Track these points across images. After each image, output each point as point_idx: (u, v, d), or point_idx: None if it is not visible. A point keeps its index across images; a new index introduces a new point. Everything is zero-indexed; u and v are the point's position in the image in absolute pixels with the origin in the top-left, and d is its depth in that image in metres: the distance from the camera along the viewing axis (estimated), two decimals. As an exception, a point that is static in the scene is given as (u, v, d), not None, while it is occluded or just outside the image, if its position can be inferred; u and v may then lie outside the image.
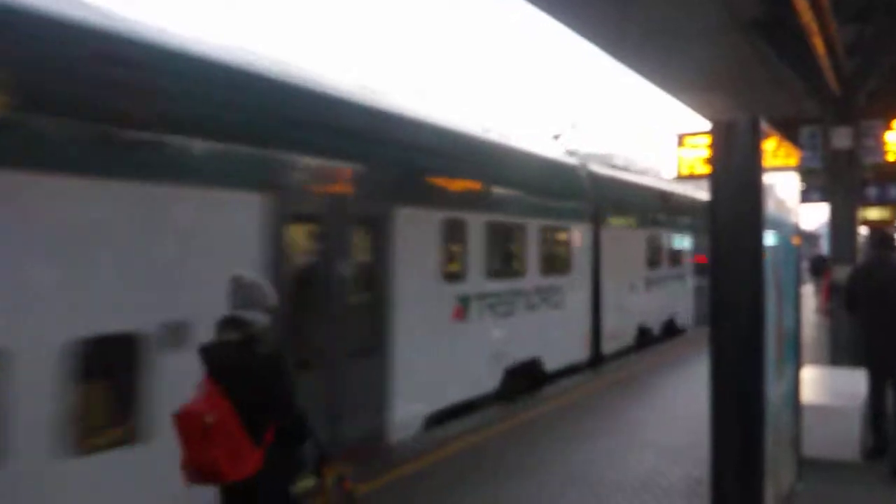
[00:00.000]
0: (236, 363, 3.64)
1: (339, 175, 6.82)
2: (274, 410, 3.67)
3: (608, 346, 12.82)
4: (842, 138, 10.74)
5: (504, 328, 9.54)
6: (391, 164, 7.67)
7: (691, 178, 12.51)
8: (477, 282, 8.95)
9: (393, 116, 7.86)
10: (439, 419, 8.31)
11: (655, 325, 15.75)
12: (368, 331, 7.24)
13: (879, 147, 11.39)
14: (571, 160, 12.53)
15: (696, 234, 18.37)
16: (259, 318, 3.74)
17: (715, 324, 4.23)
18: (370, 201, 7.21)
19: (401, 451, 7.41)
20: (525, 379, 10.25)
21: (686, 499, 6.05)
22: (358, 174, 7.04)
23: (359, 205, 7.05)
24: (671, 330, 16.81)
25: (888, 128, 11.39)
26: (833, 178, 11.07)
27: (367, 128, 7.35)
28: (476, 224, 8.94)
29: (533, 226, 10.31)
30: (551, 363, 10.82)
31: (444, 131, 8.84)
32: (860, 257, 10.71)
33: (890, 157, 11.45)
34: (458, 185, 8.92)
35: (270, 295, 3.87)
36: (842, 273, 10.53)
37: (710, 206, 4.19)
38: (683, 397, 9.96)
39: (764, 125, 4.25)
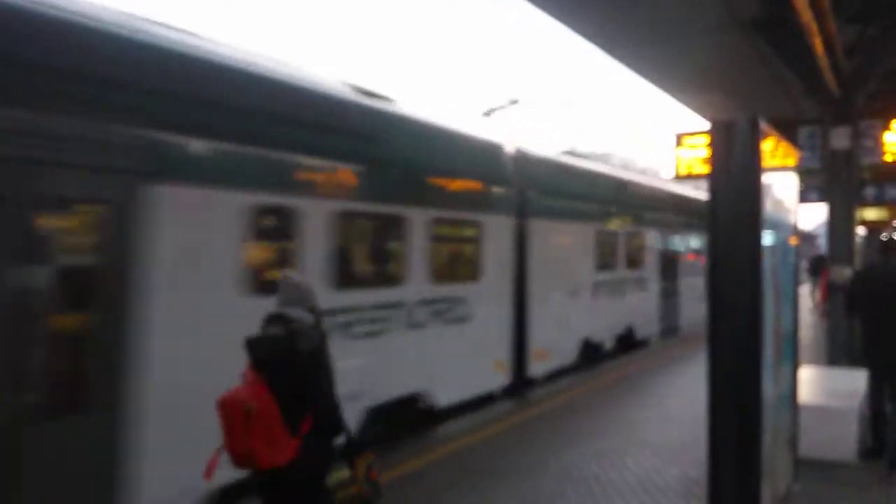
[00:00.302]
0: (279, 356, 3.85)
1: None
2: (312, 402, 3.86)
3: (537, 368, 10.40)
4: (840, 139, 10.74)
5: (366, 355, 7.10)
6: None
7: (690, 178, 12.43)
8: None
9: None
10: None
11: (607, 339, 13.15)
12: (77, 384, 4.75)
13: (878, 147, 11.39)
14: (494, 136, 9.97)
15: (665, 230, 16.32)
16: (302, 315, 3.98)
17: (713, 324, 4.23)
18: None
19: (393, 453, 7.40)
20: (407, 419, 8.01)
21: (683, 499, 6.04)
22: None
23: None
24: (628, 343, 14.18)
25: (887, 128, 11.39)
26: (831, 179, 11.07)
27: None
28: (315, 213, 6.46)
29: (419, 218, 7.87)
30: (445, 396, 8.38)
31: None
32: (859, 258, 10.72)
33: (888, 158, 11.45)
34: (273, 155, 6.14)
35: (313, 295, 4.17)
36: (839, 273, 10.53)
37: (709, 206, 4.18)
38: (680, 397, 9.96)
39: (763, 125, 4.24)
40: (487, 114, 19.73)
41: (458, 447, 7.57)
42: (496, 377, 9.54)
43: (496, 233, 9.40)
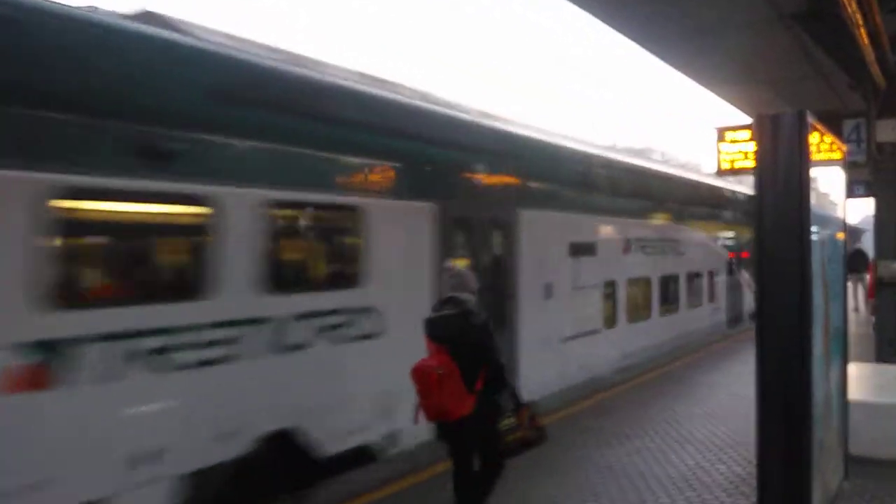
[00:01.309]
0: (456, 330, 4.94)
1: None
2: (484, 365, 4.89)
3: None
4: (887, 131, 10.54)
5: (140, 404, 4.98)
6: None
7: (733, 173, 12.24)
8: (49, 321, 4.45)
9: None
10: None
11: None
12: None
13: (926, 140, 11.13)
14: (389, 90, 7.87)
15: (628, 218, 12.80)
16: (469, 297, 5.14)
17: (761, 321, 4.21)
18: None
19: (428, 452, 7.45)
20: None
21: (730, 496, 6.00)
22: None
23: None
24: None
25: (935, 120, 11.12)
26: (878, 173, 10.86)
27: None
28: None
29: (240, 202, 5.66)
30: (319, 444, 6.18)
31: None
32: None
33: (936, 150, 11.18)
34: None
35: (475, 281, 5.34)
36: (888, 268, 10.34)
37: (756, 202, 4.16)
38: (725, 393, 9.88)
39: (810, 118, 4.21)
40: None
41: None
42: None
43: (395, 225, 7.23)
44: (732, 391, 9.93)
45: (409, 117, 7.88)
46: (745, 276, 18.15)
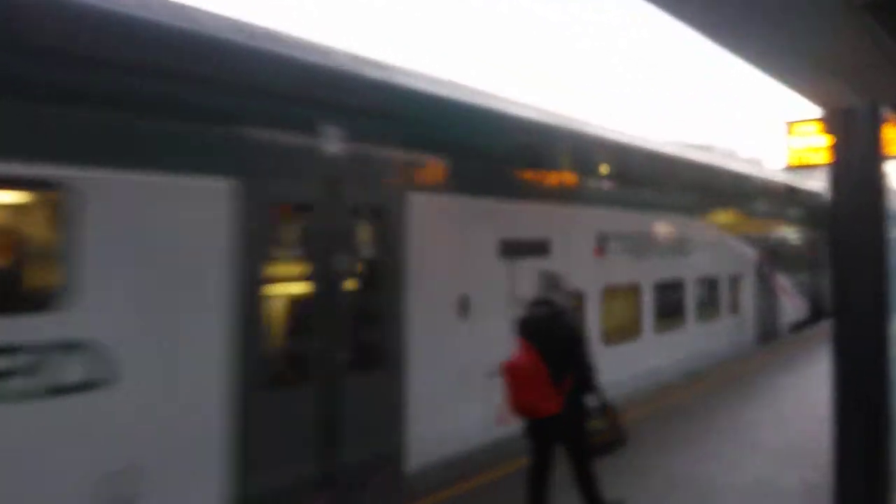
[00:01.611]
0: (547, 330, 5.08)
1: None
2: (574, 365, 5.03)
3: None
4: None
5: None
6: None
7: (802, 168, 11.81)
8: None
9: None
10: None
11: None
12: None
13: None
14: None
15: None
16: (560, 299, 5.29)
17: (837, 322, 4.04)
18: None
19: (496, 455, 7.38)
20: None
21: (803, 503, 5.79)
22: None
23: None
24: None
25: None
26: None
27: None
28: None
29: None
30: None
31: None
32: None
33: None
34: None
35: (566, 282, 5.50)
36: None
37: (831, 198, 4.00)
38: (795, 398, 9.55)
39: (885, 111, 4.03)
40: None
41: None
42: None
43: (160, 214, 4.90)
44: (802, 393, 9.61)
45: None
46: (781, 280, 16.03)
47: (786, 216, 17.61)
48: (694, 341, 12.04)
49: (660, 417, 8.66)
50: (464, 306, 7.30)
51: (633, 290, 10.57)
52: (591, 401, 5.18)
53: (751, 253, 14.79)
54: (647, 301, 10.81)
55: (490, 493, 6.20)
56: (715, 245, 13.18)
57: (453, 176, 7.35)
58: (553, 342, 5.02)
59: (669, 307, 11.46)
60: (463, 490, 6.33)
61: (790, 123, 11.21)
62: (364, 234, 6.42)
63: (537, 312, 5.26)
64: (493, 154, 8.07)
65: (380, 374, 6.40)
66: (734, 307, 13.77)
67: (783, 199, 17.54)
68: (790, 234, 17.79)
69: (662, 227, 11.42)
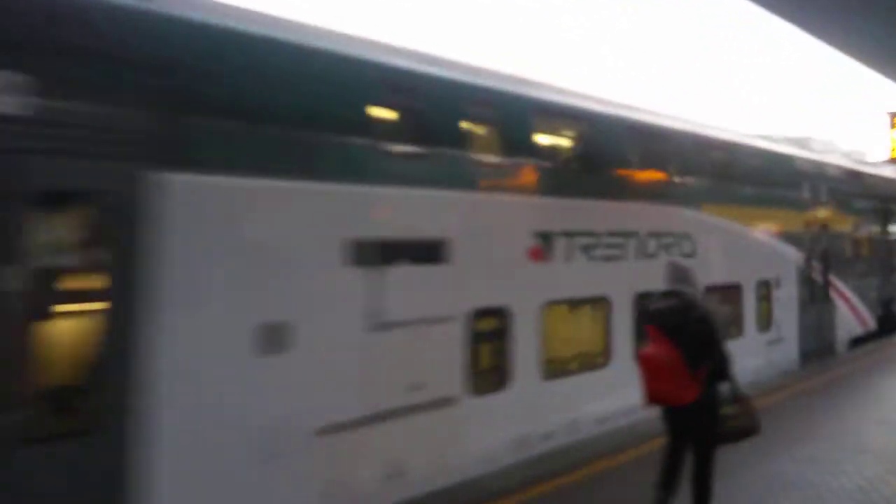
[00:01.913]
0: (680, 321, 5.19)
1: None
2: (709, 354, 5.12)
3: None
4: None
5: None
6: None
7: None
8: None
9: None
10: None
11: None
12: None
13: None
14: None
15: None
16: (691, 291, 5.45)
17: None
18: None
19: (595, 447, 7.39)
20: None
21: (913, 511, 5.60)
22: None
23: None
24: None
25: None
26: None
27: None
28: None
29: None
30: None
31: None
32: None
33: None
34: None
35: (695, 275, 5.61)
36: None
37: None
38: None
39: None
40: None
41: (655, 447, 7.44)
42: None
43: None
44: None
45: None
46: (840, 285, 13.61)
47: (848, 206, 14.69)
48: None
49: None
50: (273, 337, 5.28)
51: (598, 306, 8.29)
52: (725, 389, 5.27)
53: (792, 253, 12.21)
54: (619, 319, 8.39)
55: None
56: (735, 244, 10.63)
57: (252, 147, 5.33)
58: (687, 332, 5.14)
59: None
60: None
61: (894, 115, 10.77)
62: (57, 231, 4.51)
63: (668, 304, 5.39)
64: (335, 117, 5.90)
65: (90, 446, 4.39)
66: (765, 320, 11.25)
67: (845, 185, 14.59)
68: (855, 227, 15.03)
69: (643, 220, 8.85)
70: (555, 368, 7.59)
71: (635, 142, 8.97)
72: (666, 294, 5.50)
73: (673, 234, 9.21)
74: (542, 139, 7.85)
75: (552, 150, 8.10)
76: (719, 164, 10.52)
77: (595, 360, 8.20)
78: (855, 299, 14.28)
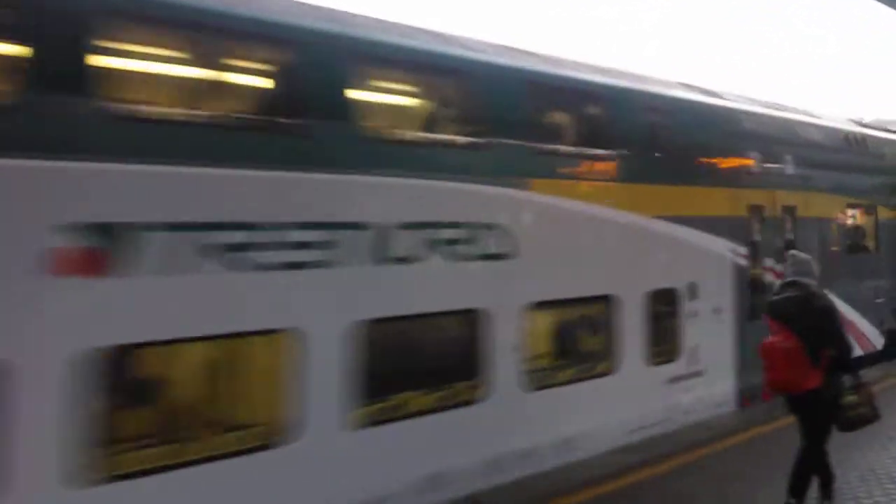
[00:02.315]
0: (801, 311, 5.32)
1: None
2: (829, 344, 5.24)
3: None
4: None
5: None
6: None
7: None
8: None
9: None
10: None
11: None
12: None
13: None
14: None
15: None
16: (811, 281, 5.52)
17: None
18: None
19: (681, 441, 7.40)
20: None
21: None
22: None
23: None
24: None
25: None
26: None
27: None
28: None
29: None
30: None
31: None
32: None
33: None
34: None
35: (816, 266, 5.67)
36: None
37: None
38: None
39: None
40: None
41: (749, 437, 7.44)
42: None
43: None
44: None
45: None
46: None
47: (836, 180, 11.21)
48: (548, 418, 6.84)
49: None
50: None
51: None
52: (846, 377, 5.37)
53: (725, 248, 8.91)
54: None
55: None
56: (598, 236, 7.49)
57: None
58: (809, 322, 5.25)
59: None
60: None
61: None
62: None
63: (789, 294, 5.49)
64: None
65: None
66: (665, 348, 8.15)
67: (831, 152, 11.19)
68: (849, 209, 11.58)
69: (385, 204, 5.91)
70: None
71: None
72: (786, 284, 5.63)
73: (458, 224, 6.33)
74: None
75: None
76: (567, 116, 7.52)
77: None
78: (847, 309, 10.17)
